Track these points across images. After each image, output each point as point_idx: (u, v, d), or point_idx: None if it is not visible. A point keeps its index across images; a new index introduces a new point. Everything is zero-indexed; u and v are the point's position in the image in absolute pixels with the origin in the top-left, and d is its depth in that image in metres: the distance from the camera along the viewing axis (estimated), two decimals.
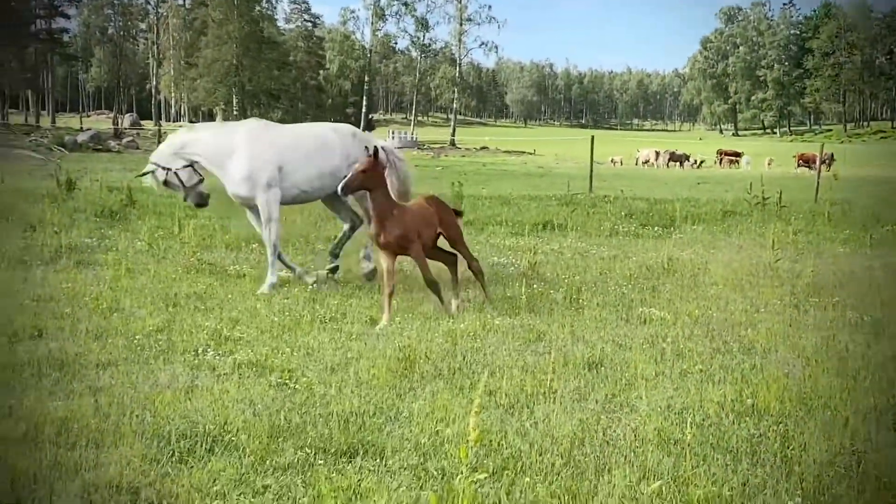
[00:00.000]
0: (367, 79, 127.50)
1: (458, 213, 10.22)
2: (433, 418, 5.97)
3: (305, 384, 6.66)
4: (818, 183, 27.35)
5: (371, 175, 9.02)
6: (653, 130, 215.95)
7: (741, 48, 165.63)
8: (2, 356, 7.01)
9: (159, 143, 21.86)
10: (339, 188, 9.14)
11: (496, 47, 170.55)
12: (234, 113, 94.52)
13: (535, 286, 10.79)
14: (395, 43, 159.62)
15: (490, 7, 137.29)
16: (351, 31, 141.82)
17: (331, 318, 8.96)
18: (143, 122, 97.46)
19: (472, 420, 4.07)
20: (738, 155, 73.90)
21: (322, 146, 11.03)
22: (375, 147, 9.46)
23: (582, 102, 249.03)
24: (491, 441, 5.53)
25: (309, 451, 5.27)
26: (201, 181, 11.08)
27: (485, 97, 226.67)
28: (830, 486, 4.99)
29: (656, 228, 17.82)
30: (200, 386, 6.52)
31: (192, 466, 5.02)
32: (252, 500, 4.67)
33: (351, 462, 5.19)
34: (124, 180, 20.56)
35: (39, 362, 6.89)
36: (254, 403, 6.12)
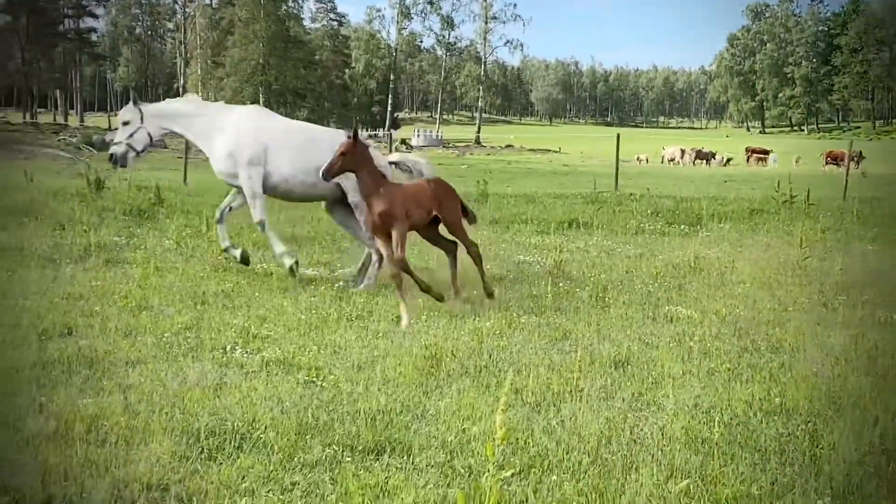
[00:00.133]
0: (392, 77, 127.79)
1: (466, 211, 10.13)
2: (460, 416, 5.98)
3: (332, 382, 6.68)
4: (846, 180, 27.16)
5: (351, 156, 9.06)
6: (679, 128, 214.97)
7: (768, 45, 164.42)
8: (32, 354, 7.07)
9: (187, 143, 22.02)
10: (321, 172, 9.16)
11: (521, 45, 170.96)
12: None
13: (560, 284, 10.78)
14: (421, 41, 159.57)
15: (515, 5, 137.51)
16: (376, 30, 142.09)
17: (357, 316, 8.99)
18: None
19: (499, 418, 4.08)
20: (766, 153, 73.39)
21: (311, 141, 11.02)
22: (354, 128, 9.42)
23: (607, 100, 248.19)
24: (517, 439, 5.54)
25: (336, 448, 5.29)
26: (142, 152, 11.20)
27: (510, 95, 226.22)
28: (860, 485, 4.96)
29: (683, 226, 17.75)
30: (229, 383, 6.56)
31: (220, 463, 5.06)
32: (280, 496, 4.69)
33: (378, 459, 5.21)
34: (153, 179, 20.71)
35: (69, 360, 6.95)
36: (282, 401, 6.15)
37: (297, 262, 10.96)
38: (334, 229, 15.15)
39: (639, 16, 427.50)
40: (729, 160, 70.73)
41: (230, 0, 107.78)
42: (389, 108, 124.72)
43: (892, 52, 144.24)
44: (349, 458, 5.17)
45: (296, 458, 5.14)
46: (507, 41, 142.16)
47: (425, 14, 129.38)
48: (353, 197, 10.60)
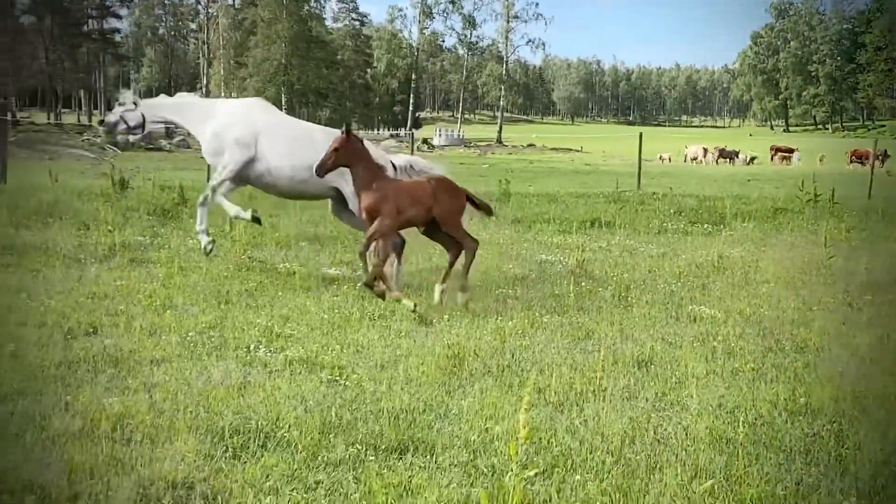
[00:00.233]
0: (414, 77, 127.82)
1: (478, 205, 10.09)
2: (482, 416, 5.98)
3: (356, 381, 6.70)
4: (871, 179, 26.98)
5: (346, 151, 9.10)
6: (702, 127, 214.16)
7: (792, 43, 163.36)
8: (58, 353, 7.12)
9: None
10: (315, 167, 9.19)
11: (543, 44, 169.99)
12: (283, 112, 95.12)
13: (583, 284, 10.77)
14: (443, 41, 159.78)
15: (537, 4, 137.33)
16: (398, 30, 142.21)
17: (379, 315, 9.00)
18: None
19: (522, 417, 4.09)
20: (791, 151, 72.95)
21: (304, 139, 10.98)
22: (347, 124, 9.39)
23: (629, 99, 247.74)
24: (541, 439, 5.54)
25: (360, 447, 5.31)
26: (134, 129, 11.38)
27: (532, 94, 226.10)
28: (886, 485, 4.94)
29: (706, 226, 17.69)
30: (253, 382, 6.59)
31: (245, 462, 5.08)
32: (304, 495, 4.71)
33: (401, 458, 5.22)
34: (176, 179, 20.81)
35: (95, 359, 6.99)
36: (305, 400, 6.17)
37: (212, 244, 11.17)
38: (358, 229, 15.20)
39: (661, 14, 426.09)
40: (753, 159, 70.36)
41: (253, 0, 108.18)
42: (411, 108, 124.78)
43: None
44: (372, 457, 5.19)
45: (319, 457, 5.15)
46: (529, 40, 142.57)
47: (447, 13, 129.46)
48: (354, 204, 10.54)
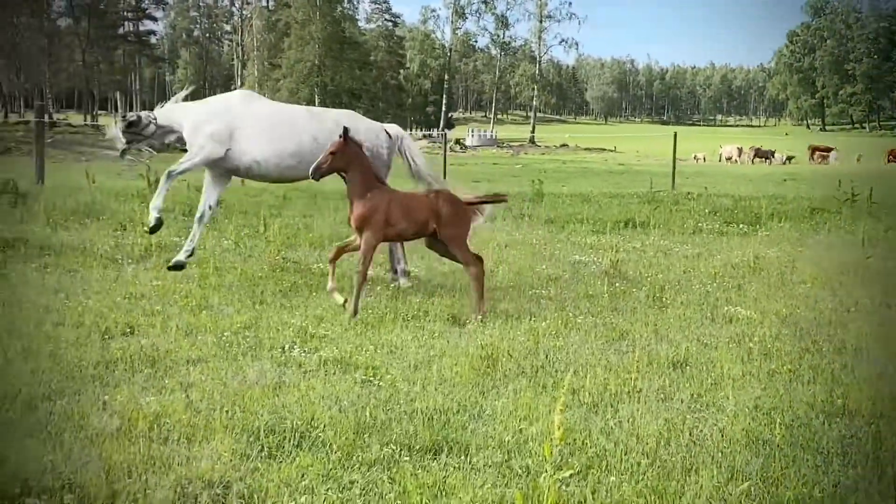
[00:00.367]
0: (446, 77, 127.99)
1: (485, 203, 9.71)
2: (516, 416, 5.98)
3: (389, 381, 6.71)
4: None
5: (341, 156, 9.00)
6: (737, 126, 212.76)
7: (829, 41, 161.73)
8: (95, 352, 7.19)
9: None
10: (310, 171, 9.13)
11: (576, 44, 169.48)
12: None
13: (617, 284, 10.74)
14: (475, 41, 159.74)
15: (570, 3, 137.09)
16: (431, 30, 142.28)
17: (413, 316, 9.01)
18: None
19: (557, 418, 4.08)
20: (829, 150, 72.23)
21: (287, 124, 10.82)
22: (345, 128, 9.21)
23: (664, 98, 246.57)
24: (575, 440, 5.52)
25: (394, 447, 5.32)
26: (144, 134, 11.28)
27: (565, 94, 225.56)
28: None
29: (741, 226, 17.56)
30: (287, 382, 6.62)
31: (280, 461, 5.10)
32: (339, 495, 4.72)
33: (436, 459, 5.23)
34: None
35: (132, 358, 7.05)
36: (339, 400, 6.19)
37: (158, 224, 10.87)
38: None
39: (696, 13, 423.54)
40: (790, 158, 69.77)
41: (286, 2, 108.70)
42: (444, 108, 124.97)
43: None
44: (407, 458, 5.20)
45: (354, 457, 5.17)
46: (562, 40, 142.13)
47: (480, 14, 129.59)
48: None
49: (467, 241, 9.34)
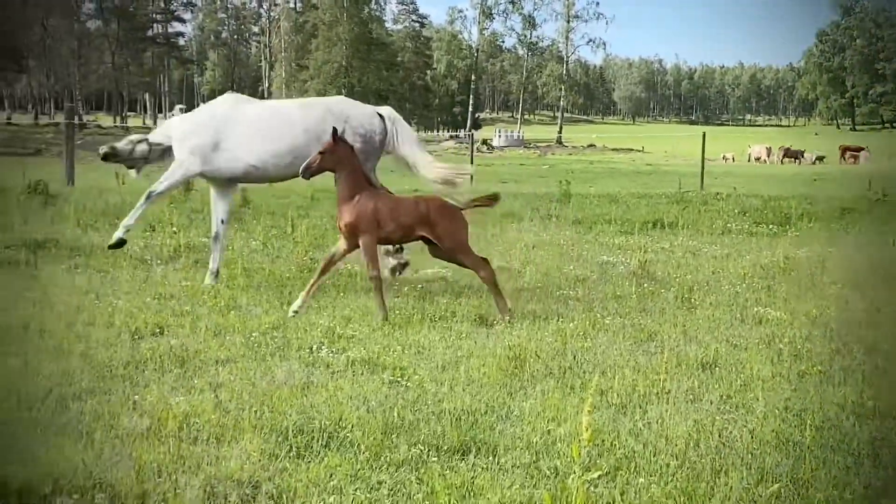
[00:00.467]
0: (473, 78, 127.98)
1: (494, 199, 9.56)
2: (544, 417, 5.97)
3: (417, 382, 6.72)
4: None
5: (331, 156, 8.95)
6: (766, 126, 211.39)
7: (858, 41, 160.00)
8: (126, 352, 7.24)
9: None
10: (300, 171, 9.10)
11: (604, 44, 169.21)
12: None
13: (645, 285, 10.69)
14: (502, 41, 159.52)
15: (598, 3, 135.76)
16: (458, 31, 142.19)
17: (440, 316, 9.01)
18: None
19: (585, 419, 4.07)
20: (861, 150, 71.56)
21: (279, 122, 10.44)
22: (334, 129, 9.10)
23: (692, 98, 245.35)
24: (603, 441, 5.51)
25: (422, 447, 5.32)
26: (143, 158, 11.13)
27: (592, 94, 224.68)
28: None
29: (771, 226, 17.44)
30: (315, 382, 6.64)
31: (309, 461, 5.12)
32: (368, 495, 4.73)
33: (464, 459, 5.23)
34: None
35: (161, 358, 7.10)
36: (367, 400, 6.20)
37: (121, 242, 10.47)
38: None
39: (724, 12, 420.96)
40: (821, 158, 69.22)
41: (314, 3, 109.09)
42: (471, 109, 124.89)
43: None
44: (435, 458, 5.20)
45: (382, 458, 5.17)
46: (590, 40, 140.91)
47: (507, 14, 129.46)
48: None
49: (469, 245, 9.25)
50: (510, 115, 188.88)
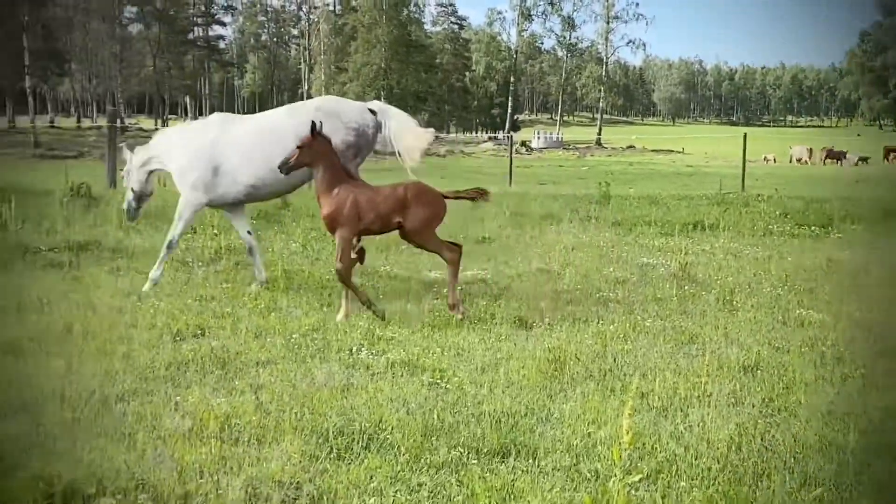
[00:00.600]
0: (512, 79, 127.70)
1: (480, 194, 9.38)
2: (584, 420, 5.95)
3: (457, 384, 6.72)
4: None
5: (308, 151, 8.94)
6: (808, 127, 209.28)
7: None
8: (167, 354, 7.31)
9: None
10: (279, 165, 9.07)
11: (643, 45, 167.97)
12: None
13: (686, 287, 10.63)
14: (541, 43, 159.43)
15: (637, 4, 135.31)
16: (497, 32, 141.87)
17: (479, 318, 9.01)
18: None
19: (626, 422, 4.06)
20: None
21: (270, 136, 10.21)
22: (313, 122, 9.05)
23: (733, 99, 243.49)
24: (644, 444, 5.48)
25: (462, 450, 5.32)
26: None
27: (631, 96, 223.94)
28: None
29: (813, 228, 17.25)
30: (355, 384, 6.66)
31: (349, 463, 5.14)
32: (408, 497, 4.74)
33: (504, 462, 5.22)
34: None
35: (203, 360, 7.15)
36: (407, 402, 6.21)
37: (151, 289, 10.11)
38: (455, 232, 15.24)
39: (766, 13, 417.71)
40: (865, 159, 68.36)
41: (353, 6, 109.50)
42: (509, 111, 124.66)
43: None
44: (475, 461, 5.20)
45: (422, 459, 5.18)
46: (630, 41, 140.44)
47: (546, 15, 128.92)
48: None
49: (433, 230, 9.13)
50: (549, 116, 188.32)
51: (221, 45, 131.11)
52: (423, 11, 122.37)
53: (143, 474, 4.81)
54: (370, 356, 7.44)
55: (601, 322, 8.81)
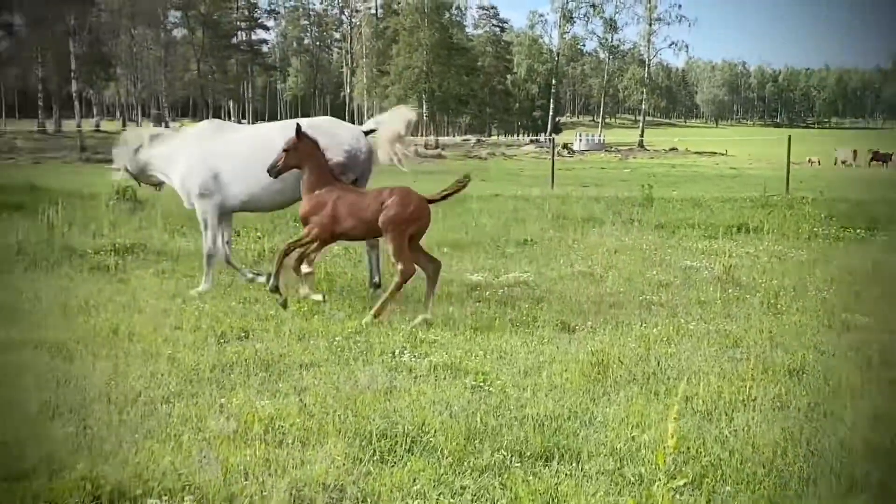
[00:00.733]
0: (554, 82, 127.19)
1: (462, 184, 9.40)
2: (628, 424, 5.92)
3: (499, 387, 6.72)
4: None
5: (295, 153, 9.00)
6: (853, 129, 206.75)
7: None
8: (212, 356, 7.37)
9: None
10: (267, 169, 9.11)
11: (686, 46, 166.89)
12: (424, 119, 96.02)
13: (730, 290, 10.56)
14: (583, 45, 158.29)
15: (680, 6, 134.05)
16: (538, 35, 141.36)
17: (521, 321, 9.00)
18: None
19: (671, 426, 4.04)
20: None
21: (263, 148, 10.04)
22: (298, 125, 9.11)
23: (776, 101, 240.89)
24: (689, 448, 5.44)
25: (505, 453, 5.32)
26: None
27: (674, 97, 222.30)
28: None
29: (858, 231, 17.05)
30: (398, 387, 6.67)
31: (392, 466, 5.15)
32: (451, 500, 4.75)
33: (547, 465, 5.21)
34: None
35: (247, 362, 7.21)
36: (450, 405, 6.22)
37: (265, 278, 10.28)
38: (497, 234, 15.24)
39: (810, 14, 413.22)
40: None
41: (395, 9, 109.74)
42: (551, 113, 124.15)
43: None
44: (518, 464, 5.19)
45: (465, 463, 5.19)
46: (672, 43, 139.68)
47: (588, 17, 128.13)
48: None
49: (403, 239, 9.03)
50: (591, 118, 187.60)
51: (264, 48, 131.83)
52: (464, 14, 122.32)
53: (188, 476, 4.85)
54: (413, 359, 7.46)
55: (644, 325, 8.78)
